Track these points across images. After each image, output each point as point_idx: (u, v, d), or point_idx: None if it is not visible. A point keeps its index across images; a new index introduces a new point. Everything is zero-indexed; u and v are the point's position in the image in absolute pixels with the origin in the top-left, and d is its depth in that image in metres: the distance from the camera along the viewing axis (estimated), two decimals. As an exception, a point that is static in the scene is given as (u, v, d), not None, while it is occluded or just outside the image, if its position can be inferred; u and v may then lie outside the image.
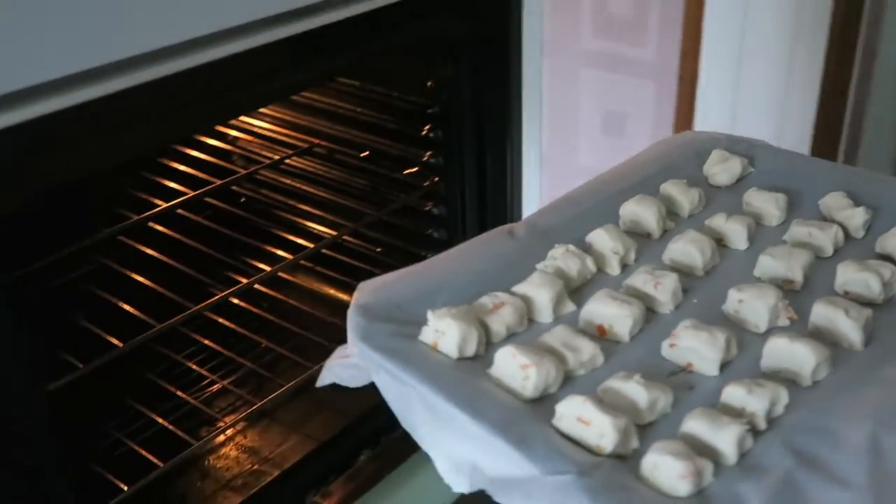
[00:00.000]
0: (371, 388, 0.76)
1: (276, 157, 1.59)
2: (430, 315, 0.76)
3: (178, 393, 1.36)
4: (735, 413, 0.69)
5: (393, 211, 1.47)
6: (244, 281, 1.37)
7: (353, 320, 0.77)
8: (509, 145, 1.39)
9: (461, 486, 0.69)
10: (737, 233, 0.88)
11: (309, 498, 1.26)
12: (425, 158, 1.42)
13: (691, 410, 0.69)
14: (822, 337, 0.76)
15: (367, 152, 1.52)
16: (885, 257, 0.85)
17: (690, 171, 0.99)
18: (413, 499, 1.35)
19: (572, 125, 2.12)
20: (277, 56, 1.00)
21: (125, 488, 1.13)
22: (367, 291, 0.80)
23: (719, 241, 0.89)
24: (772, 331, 0.77)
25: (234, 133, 1.68)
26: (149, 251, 1.42)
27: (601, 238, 0.86)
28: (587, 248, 0.86)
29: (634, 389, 0.70)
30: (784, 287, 0.83)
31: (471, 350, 0.75)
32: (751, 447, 0.67)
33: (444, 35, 1.26)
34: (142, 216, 1.40)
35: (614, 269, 0.85)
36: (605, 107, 2.08)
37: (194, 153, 1.62)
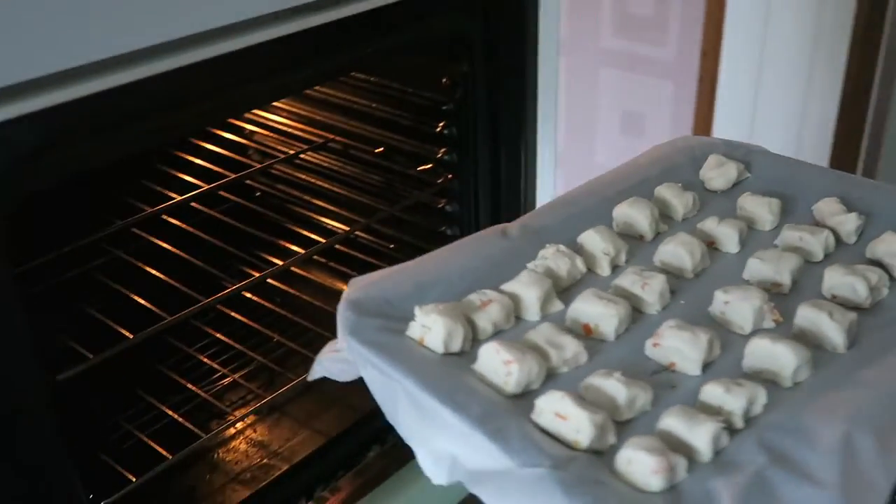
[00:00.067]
0: (361, 383, 0.78)
1: (291, 153, 1.60)
2: (417, 311, 0.77)
3: (189, 386, 1.36)
4: (713, 411, 0.70)
5: (406, 207, 1.47)
6: (257, 275, 1.37)
7: (342, 315, 0.78)
8: (524, 143, 1.39)
9: (440, 478, 0.71)
10: (728, 236, 0.89)
11: (317, 493, 1.25)
12: (439, 155, 1.42)
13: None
14: (807, 339, 0.77)
15: (382, 148, 1.53)
16: (875, 262, 0.85)
17: (687, 175, 1.00)
18: (421, 496, 1.35)
19: (590, 124, 2.13)
20: (291, 50, 1.00)
21: (133, 479, 1.14)
22: (358, 287, 0.81)
23: (711, 245, 0.90)
24: (756, 332, 0.78)
25: (250, 127, 1.69)
26: (164, 245, 1.43)
27: (592, 239, 0.87)
28: (579, 249, 0.88)
29: (614, 386, 0.71)
30: (772, 290, 0.83)
31: (456, 346, 0.77)
32: (727, 445, 0.68)
33: (459, 32, 1.26)
34: (156, 208, 1.41)
35: (604, 269, 0.87)
36: (624, 106, 2.09)
37: (211, 147, 1.63)
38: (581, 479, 0.64)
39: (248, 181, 1.59)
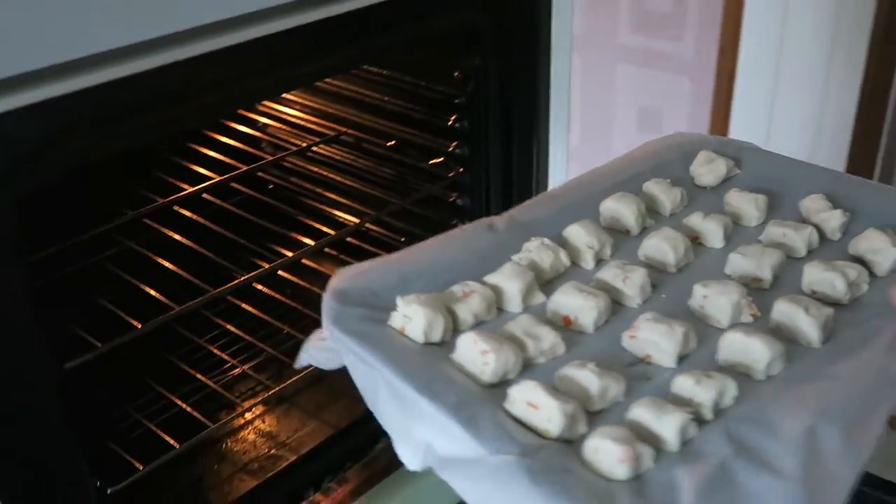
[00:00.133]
0: (346, 371, 0.80)
1: (304, 145, 1.61)
2: (399, 301, 0.79)
3: (199, 376, 1.37)
4: (684, 403, 0.71)
5: (417, 200, 1.48)
6: (267, 266, 1.38)
7: (326, 304, 0.80)
8: (536, 138, 1.39)
9: (414, 464, 0.72)
10: (712, 231, 0.90)
11: (325, 483, 1.26)
12: (451, 149, 1.43)
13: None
14: (783, 333, 0.78)
15: (394, 141, 1.54)
16: (858, 259, 0.86)
17: (677, 171, 1.01)
18: (428, 489, 1.35)
19: (607, 121, 2.14)
20: (299, 43, 1.00)
21: (141, 468, 1.15)
22: (343, 277, 0.83)
23: (696, 240, 0.91)
24: (734, 326, 0.79)
25: (263, 120, 1.71)
26: (176, 236, 1.45)
27: (577, 233, 0.88)
28: (564, 243, 0.89)
29: (587, 377, 0.72)
30: (753, 285, 0.84)
31: (436, 336, 0.78)
32: (695, 436, 0.69)
33: (471, 26, 1.26)
34: (167, 199, 1.43)
35: (588, 263, 0.88)
36: (641, 103, 2.09)
37: (224, 139, 1.65)
38: (548, 467, 0.66)
39: (260, 174, 1.61)
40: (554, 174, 1.48)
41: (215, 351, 1.45)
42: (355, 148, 1.62)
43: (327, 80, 1.61)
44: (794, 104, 1.98)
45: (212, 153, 1.63)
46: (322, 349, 0.81)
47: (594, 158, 2.12)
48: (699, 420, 0.71)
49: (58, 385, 0.91)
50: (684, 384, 0.72)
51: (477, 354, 0.75)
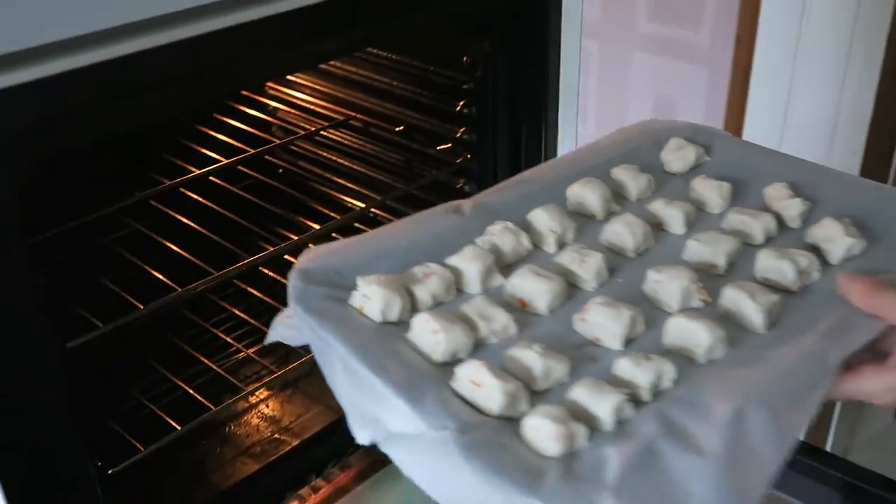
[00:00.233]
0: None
1: (313, 129, 1.63)
2: (358, 281, 0.82)
3: (204, 360, 1.39)
4: (623, 384, 0.73)
5: (423, 186, 1.48)
6: (272, 249, 1.38)
7: (291, 283, 0.83)
8: (545, 125, 1.39)
9: (363, 438, 0.75)
10: (673, 218, 0.91)
11: (327, 469, 1.27)
12: (459, 135, 1.44)
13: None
14: (730, 319, 0.80)
15: (402, 127, 1.55)
16: (813, 247, 0.87)
17: (648, 157, 1.02)
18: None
19: (622, 109, 2.14)
20: (306, 23, 1.00)
21: (142, 449, 1.17)
22: (309, 257, 0.86)
23: (660, 226, 0.92)
24: (681, 311, 0.81)
25: (273, 104, 1.74)
26: (184, 219, 1.47)
27: (540, 217, 0.90)
28: (528, 227, 0.91)
29: (531, 357, 0.75)
30: (709, 272, 0.86)
31: (393, 315, 0.81)
32: (631, 416, 0.71)
33: (479, 11, 1.27)
34: (174, 181, 1.45)
35: (551, 247, 0.90)
36: (657, 92, 2.09)
37: (235, 123, 1.68)
38: (482, 443, 0.68)
39: (267, 157, 1.63)
40: (563, 161, 1.49)
41: (221, 335, 1.46)
42: (364, 133, 1.63)
43: (337, 64, 1.63)
44: (811, 96, 1.97)
45: (222, 137, 1.65)
46: (288, 326, 0.84)
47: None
48: (637, 401, 0.73)
49: (60, 365, 0.93)
50: (624, 366, 0.74)
51: (429, 334, 0.78)
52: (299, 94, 1.72)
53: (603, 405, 0.71)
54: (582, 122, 1.45)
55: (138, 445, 1.18)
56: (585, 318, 0.80)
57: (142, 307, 1.20)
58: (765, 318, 0.79)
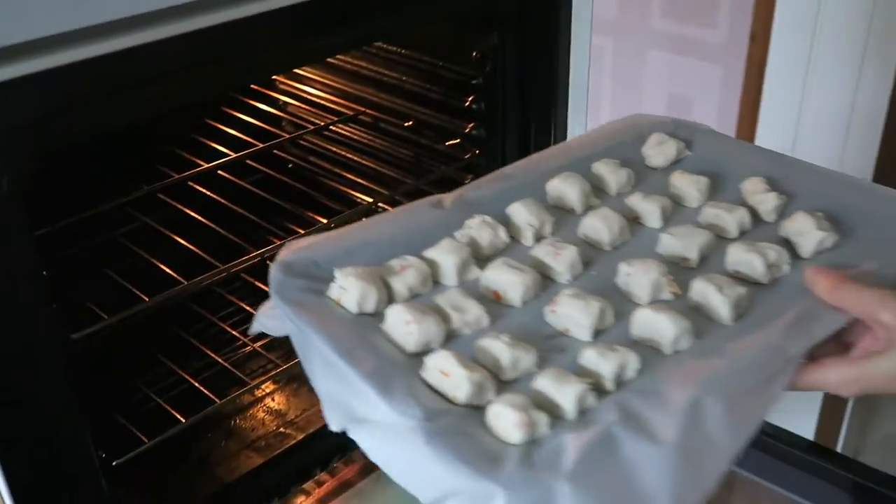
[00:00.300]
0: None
1: (322, 124, 1.65)
2: (336, 273, 0.84)
3: (210, 353, 1.40)
4: (588, 374, 0.75)
5: (431, 181, 1.49)
6: (279, 243, 1.36)
7: (272, 275, 0.85)
8: (554, 121, 1.39)
9: (334, 425, 0.77)
10: (650, 212, 0.93)
11: (332, 463, 1.28)
12: (467, 130, 1.45)
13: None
14: (699, 311, 0.81)
15: (411, 122, 1.56)
16: (786, 241, 0.88)
17: (630, 152, 1.04)
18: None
19: (635, 106, 2.14)
20: (314, 15, 1.01)
21: (147, 441, 1.18)
22: (291, 249, 0.88)
23: (637, 220, 0.94)
24: (652, 303, 0.82)
25: (284, 99, 1.76)
26: (192, 213, 1.48)
27: (518, 211, 0.92)
28: (507, 221, 0.93)
29: (499, 348, 0.77)
30: (682, 265, 0.87)
31: (370, 307, 0.83)
32: (594, 406, 0.73)
33: (489, 4, 1.27)
34: (182, 175, 1.47)
35: (528, 240, 0.91)
36: (671, 89, 2.10)
37: (245, 118, 1.69)
38: (447, 430, 0.70)
39: (276, 151, 1.64)
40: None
41: (227, 328, 1.48)
42: (373, 128, 1.65)
43: (347, 58, 1.64)
44: (825, 94, 1.96)
45: (231, 131, 1.67)
46: (270, 317, 0.86)
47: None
48: (601, 391, 0.74)
49: (65, 357, 0.94)
50: (590, 357, 0.76)
51: (403, 325, 0.79)
52: (309, 88, 1.74)
53: (566, 394, 0.72)
54: (595, 119, 1.44)
55: (143, 438, 1.19)
56: (556, 309, 0.81)
57: (147, 300, 1.22)
58: (731, 311, 0.80)
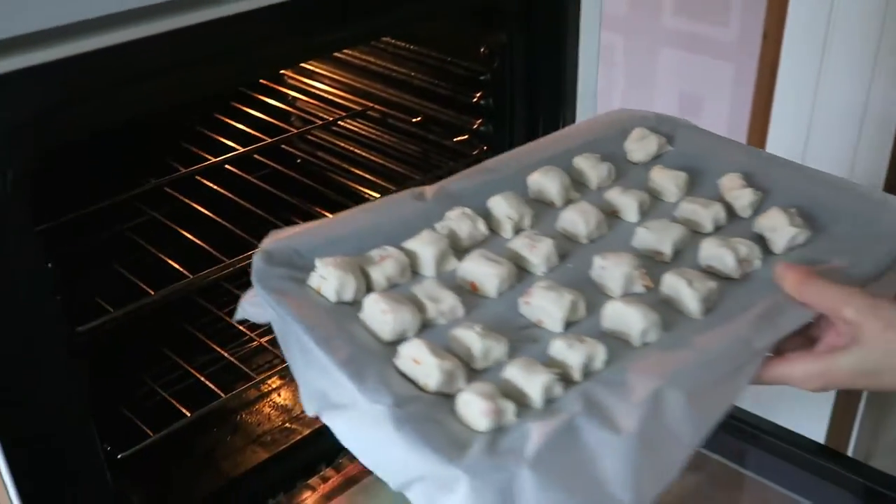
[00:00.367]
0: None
1: (331, 120, 1.66)
2: (316, 262, 0.86)
3: (217, 348, 1.41)
4: (557, 365, 0.77)
5: (439, 177, 1.43)
6: None
7: (254, 263, 0.87)
8: (562, 117, 1.40)
9: (309, 410, 0.79)
10: (627, 206, 0.94)
11: (337, 459, 1.29)
12: (475, 126, 1.46)
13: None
14: (670, 304, 0.83)
15: (419, 117, 1.58)
16: (759, 236, 0.89)
17: (612, 147, 1.05)
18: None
19: (646, 104, 2.14)
20: (317, 10, 1.02)
21: (152, 435, 1.19)
22: (273, 239, 0.90)
23: (616, 214, 0.95)
24: (623, 296, 0.84)
25: (293, 94, 1.77)
26: (199, 208, 1.48)
27: (498, 204, 0.94)
28: (487, 213, 0.94)
29: (471, 337, 0.78)
30: (656, 259, 0.89)
31: (348, 296, 0.85)
32: (561, 395, 0.74)
33: (496, 1, 1.29)
34: (189, 169, 1.48)
35: (507, 233, 0.93)
36: (682, 87, 2.09)
37: (253, 112, 1.70)
38: (416, 416, 0.72)
39: (284, 146, 1.65)
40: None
41: (234, 323, 1.45)
42: (381, 123, 1.66)
43: (356, 54, 1.65)
44: (838, 94, 1.96)
45: (240, 125, 1.68)
46: (253, 304, 0.88)
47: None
48: (568, 381, 0.76)
49: (72, 350, 0.96)
50: (559, 347, 0.78)
51: (379, 314, 0.81)
52: (317, 83, 1.75)
53: (533, 384, 0.74)
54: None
55: (148, 431, 1.20)
56: (530, 301, 0.83)
57: (153, 293, 1.23)
58: (700, 304, 0.81)
